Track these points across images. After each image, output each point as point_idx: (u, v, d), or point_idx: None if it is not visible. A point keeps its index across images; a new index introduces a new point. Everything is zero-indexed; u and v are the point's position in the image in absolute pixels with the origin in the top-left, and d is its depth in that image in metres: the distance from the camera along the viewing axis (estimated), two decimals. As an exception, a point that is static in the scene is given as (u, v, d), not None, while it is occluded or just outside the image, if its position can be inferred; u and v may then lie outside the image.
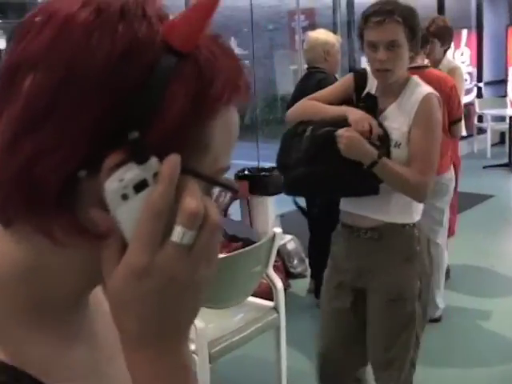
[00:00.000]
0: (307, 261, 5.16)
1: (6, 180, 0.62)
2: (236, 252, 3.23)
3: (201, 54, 0.64)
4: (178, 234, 0.62)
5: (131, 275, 0.62)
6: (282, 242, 5.18)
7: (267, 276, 3.38)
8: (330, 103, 2.68)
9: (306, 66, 4.72)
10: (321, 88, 4.00)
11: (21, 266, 0.68)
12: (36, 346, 0.69)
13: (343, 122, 2.52)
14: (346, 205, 2.73)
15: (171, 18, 0.65)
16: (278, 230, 3.31)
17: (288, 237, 5.34)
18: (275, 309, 3.40)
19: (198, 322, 2.93)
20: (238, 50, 9.05)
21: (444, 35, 4.71)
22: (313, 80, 4.37)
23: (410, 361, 2.74)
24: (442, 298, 4.56)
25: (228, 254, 3.18)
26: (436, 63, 4.68)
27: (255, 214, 5.84)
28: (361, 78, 2.67)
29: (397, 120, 2.55)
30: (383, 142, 2.51)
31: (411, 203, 2.61)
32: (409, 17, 2.48)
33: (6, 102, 0.62)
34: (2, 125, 0.62)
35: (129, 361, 0.67)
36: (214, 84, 0.64)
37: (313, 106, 2.71)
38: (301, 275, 5.32)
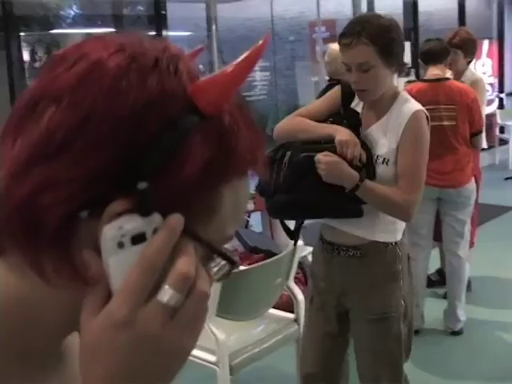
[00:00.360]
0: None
1: (8, 205, 0.61)
2: (257, 264, 3.26)
3: (224, 119, 0.63)
4: (164, 293, 0.60)
5: (110, 325, 0.61)
6: (304, 254, 5.19)
7: (288, 288, 3.40)
8: (318, 119, 2.61)
9: (327, 77, 4.75)
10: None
11: (12, 293, 0.67)
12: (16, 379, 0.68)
13: (320, 145, 2.48)
14: (328, 219, 2.66)
15: (202, 78, 0.64)
16: (300, 242, 3.33)
17: (309, 249, 5.34)
18: (296, 321, 3.42)
19: (220, 334, 2.96)
20: (260, 62, 9.10)
21: (468, 47, 4.72)
22: None
23: (404, 379, 2.72)
24: (464, 311, 4.55)
25: (249, 266, 3.21)
26: (459, 75, 4.69)
27: (276, 226, 5.85)
28: (348, 90, 2.61)
29: (385, 136, 2.51)
30: (366, 162, 2.47)
31: (395, 222, 2.57)
32: (378, 36, 2.39)
33: (23, 128, 0.62)
34: (16, 151, 0.61)
35: None
36: (234, 153, 0.63)
37: (300, 123, 2.63)
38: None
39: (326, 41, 12.63)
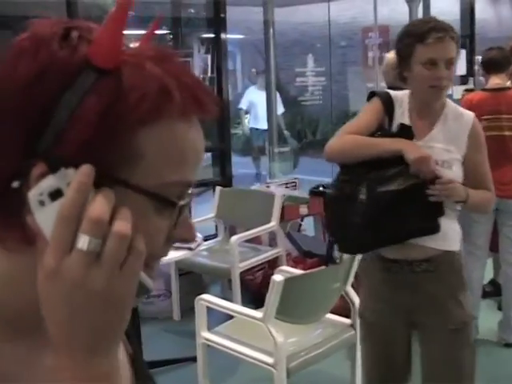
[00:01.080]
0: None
1: None
2: (317, 269, 3.29)
3: (126, 69, 0.67)
4: (81, 240, 0.63)
5: (43, 277, 0.64)
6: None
7: (346, 293, 3.41)
8: (366, 134, 2.54)
9: (383, 84, 4.74)
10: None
11: None
12: (5, 358, 0.72)
13: (387, 171, 2.44)
14: None
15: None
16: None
17: (359, 256, 5.34)
18: (352, 326, 3.43)
19: (278, 336, 2.99)
20: (313, 66, 9.11)
21: None
22: None
23: None
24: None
25: (310, 271, 3.24)
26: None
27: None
28: (387, 101, 2.57)
29: (446, 141, 2.51)
30: None
31: (459, 230, 2.58)
32: (457, 35, 2.48)
33: None
34: None
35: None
36: (128, 98, 0.66)
37: (357, 140, 2.52)
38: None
39: (379, 47, 12.60)
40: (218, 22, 5.71)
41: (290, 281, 2.97)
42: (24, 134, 0.66)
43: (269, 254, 4.82)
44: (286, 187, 5.81)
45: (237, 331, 3.39)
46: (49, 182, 0.65)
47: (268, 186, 5.71)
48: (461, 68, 7.86)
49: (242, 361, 4.00)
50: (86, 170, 0.64)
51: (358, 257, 3.33)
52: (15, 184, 0.66)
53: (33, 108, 0.66)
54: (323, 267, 3.32)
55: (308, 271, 3.22)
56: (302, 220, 5.84)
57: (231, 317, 3.59)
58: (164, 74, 0.68)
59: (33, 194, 0.65)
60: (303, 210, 5.62)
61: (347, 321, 3.46)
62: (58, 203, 0.64)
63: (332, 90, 8.97)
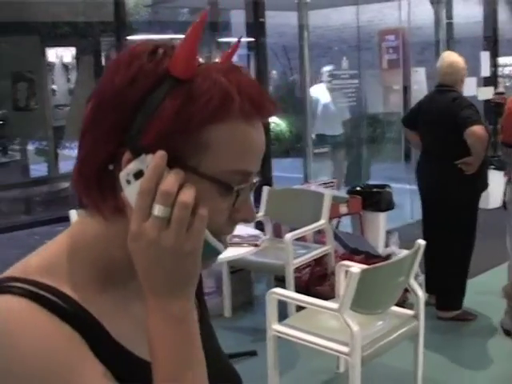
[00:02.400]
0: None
1: (75, 175, 0.90)
2: (386, 263, 3.43)
3: (196, 80, 0.84)
4: (155, 209, 0.81)
5: (129, 238, 0.83)
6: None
7: (409, 286, 3.56)
8: None
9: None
10: (456, 105, 4.23)
11: (95, 236, 0.92)
12: (100, 301, 0.91)
13: None
14: None
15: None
16: (422, 242, 3.48)
17: (405, 252, 5.47)
18: (415, 317, 3.57)
19: (354, 326, 3.13)
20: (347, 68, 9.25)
21: None
22: (446, 98, 4.57)
23: None
24: None
25: (378, 265, 3.38)
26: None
27: (367, 229, 6.01)
28: None
29: None
30: None
31: None
32: None
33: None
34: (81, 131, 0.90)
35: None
36: (197, 102, 0.83)
37: None
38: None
39: (396, 49, 12.72)
40: (257, 27, 5.86)
41: (365, 272, 3.11)
42: (118, 127, 0.85)
43: (319, 251, 4.96)
44: (325, 187, 5.96)
45: (305, 323, 3.53)
46: (133, 166, 0.84)
47: (308, 187, 5.85)
48: (484, 70, 8.02)
49: (301, 352, 4.16)
50: (160, 154, 0.82)
51: (421, 252, 3.48)
52: (111, 167, 0.86)
53: (125, 107, 0.85)
54: (389, 261, 3.45)
55: (377, 265, 3.36)
56: (340, 218, 5.99)
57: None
58: (227, 83, 0.85)
59: (122, 175, 0.84)
60: (343, 209, 5.78)
61: (410, 312, 3.60)
62: (140, 181, 0.83)
63: (361, 91, 9.09)
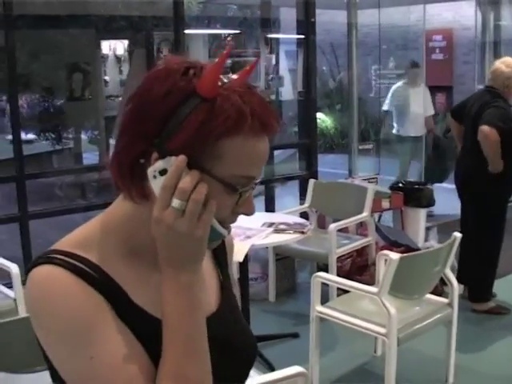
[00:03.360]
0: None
1: (111, 162, 1.10)
2: (424, 251, 3.65)
3: (218, 99, 1.03)
4: (174, 201, 1.03)
5: (153, 221, 1.05)
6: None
7: (445, 275, 3.78)
8: None
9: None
10: (494, 104, 4.41)
11: (124, 215, 1.15)
12: (125, 270, 1.13)
13: None
14: None
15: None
16: (458, 234, 3.70)
17: (437, 245, 5.66)
18: (449, 305, 3.80)
19: (391, 308, 3.37)
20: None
21: None
22: (486, 98, 4.81)
23: None
24: None
25: (416, 253, 3.61)
26: None
27: (407, 224, 6.21)
28: None
29: None
30: None
31: None
32: None
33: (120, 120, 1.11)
34: (117, 130, 1.11)
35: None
36: (217, 119, 1.02)
37: None
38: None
39: (442, 50, 12.83)
40: (307, 25, 6.09)
41: (404, 259, 3.36)
42: (151, 131, 1.06)
43: (360, 242, 5.19)
44: (369, 182, 6.18)
45: (345, 306, 3.78)
46: (159, 164, 1.05)
47: (352, 181, 6.07)
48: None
49: (340, 336, 4.40)
50: (181, 158, 1.04)
51: (457, 243, 3.70)
52: (142, 161, 1.07)
53: (158, 116, 1.05)
54: (426, 250, 3.67)
55: (418, 252, 3.59)
56: (381, 212, 6.19)
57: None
58: (243, 104, 1.04)
59: (150, 171, 1.06)
60: (385, 203, 5.99)
61: (445, 300, 3.83)
62: (164, 178, 1.04)
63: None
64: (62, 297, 1.05)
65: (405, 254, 3.50)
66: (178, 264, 1.07)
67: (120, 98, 12.71)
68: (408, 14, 11.84)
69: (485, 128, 4.57)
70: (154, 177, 1.05)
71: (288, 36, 13.23)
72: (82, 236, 1.15)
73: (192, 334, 1.08)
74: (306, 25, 6.15)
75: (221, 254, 1.37)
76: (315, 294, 3.73)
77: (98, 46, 11.46)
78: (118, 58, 13.74)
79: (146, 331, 1.11)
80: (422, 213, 6.23)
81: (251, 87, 1.09)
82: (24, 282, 1.12)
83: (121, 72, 13.96)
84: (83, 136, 11.05)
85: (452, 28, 12.98)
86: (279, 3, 9.28)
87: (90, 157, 10.76)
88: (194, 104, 1.04)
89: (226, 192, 1.08)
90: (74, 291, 1.06)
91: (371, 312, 3.69)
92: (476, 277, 4.95)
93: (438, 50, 13.07)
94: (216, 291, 1.31)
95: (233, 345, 1.25)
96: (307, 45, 6.17)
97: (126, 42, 13.07)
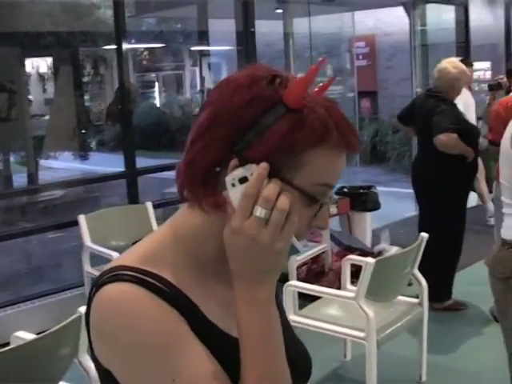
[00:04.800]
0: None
1: (182, 169, 1.06)
2: (394, 254, 3.70)
3: (303, 111, 1.00)
4: (258, 210, 0.97)
5: (230, 233, 0.99)
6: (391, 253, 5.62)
7: (413, 275, 3.84)
8: None
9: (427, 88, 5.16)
10: (438, 111, 4.53)
11: (191, 226, 1.09)
12: (193, 284, 1.08)
13: None
14: None
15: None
16: (425, 235, 3.76)
17: (395, 248, 5.76)
18: (420, 304, 3.86)
19: (369, 312, 3.39)
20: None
21: None
22: (429, 103, 4.91)
23: None
24: None
25: (389, 256, 3.64)
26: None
27: (355, 228, 6.29)
28: None
29: None
30: None
31: None
32: None
33: (193, 126, 1.07)
34: (190, 136, 1.06)
35: (234, 288, 1.03)
36: (304, 130, 0.99)
37: None
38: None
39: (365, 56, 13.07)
40: (247, 36, 6.11)
41: (379, 262, 3.38)
42: (231, 139, 1.01)
43: (317, 249, 5.20)
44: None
45: (318, 313, 3.78)
46: (239, 172, 1.00)
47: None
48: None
49: (308, 342, 4.39)
50: (264, 166, 0.99)
51: (424, 244, 3.76)
52: (217, 169, 1.02)
53: (240, 124, 1.01)
54: (398, 253, 3.71)
55: (391, 255, 3.63)
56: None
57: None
58: (328, 118, 1.02)
59: (228, 179, 1.00)
60: (332, 209, 6.04)
61: (415, 300, 3.89)
62: (244, 186, 0.99)
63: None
64: (140, 314, 1.00)
65: (380, 257, 3.54)
66: (254, 278, 1.02)
67: (47, 117, 12.48)
68: (333, 22, 12.02)
69: (440, 138, 4.70)
70: (233, 185, 1.00)
71: (216, 48, 13.32)
72: (148, 250, 1.10)
73: (273, 354, 1.04)
74: (245, 35, 6.17)
75: None
76: (289, 303, 3.72)
77: (23, 64, 11.19)
78: (41, 76, 13.46)
79: (220, 348, 1.06)
80: (369, 216, 6.33)
81: (333, 101, 1.07)
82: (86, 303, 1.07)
83: (45, 91, 13.67)
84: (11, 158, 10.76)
85: (374, 34, 13.25)
86: (209, 15, 9.28)
87: (17, 179, 10.48)
88: (280, 113, 1.01)
89: (305, 203, 1.04)
90: (151, 308, 1.01)
91: (343, 317, 3.71)
92: (436, 276, 5.03)
93: (361, 57, 13.32)
94: None
95: (293, 363, 1.17)
96: (247, 55, 6.18)
97: (49, 60, 12.81)
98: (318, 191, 1.04)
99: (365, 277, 3.37)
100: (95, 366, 1.09)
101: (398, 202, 6.40)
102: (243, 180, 0.99)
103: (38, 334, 2.65)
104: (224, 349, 1.05)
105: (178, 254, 1.09)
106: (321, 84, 1.07)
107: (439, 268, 4.96)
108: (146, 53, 17.47)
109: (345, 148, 1.05)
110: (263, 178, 0.99)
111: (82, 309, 2.68)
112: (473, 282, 5.50)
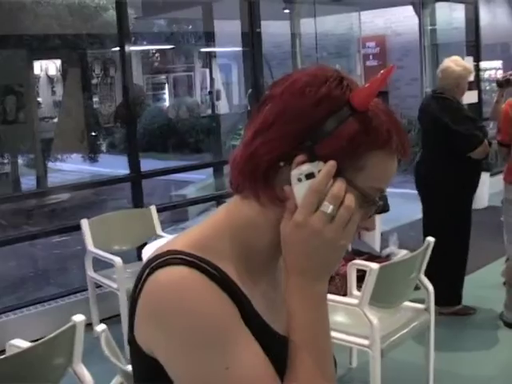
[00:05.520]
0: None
1: (241, 161, 1.06)
2: (399, 260, 3.60)
3: (369, 114, 1.03)
4: (324, 205, 1.00)
5: (293, 226, 1.01)
6: (400, 256, 5.53)
7: (420, 281, 3.75)
8: None
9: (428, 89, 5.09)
10: (446, 112, 4.46)
11: (243, 218, 1.08)
12: (242, 276, 1.06)
13: None
14: None
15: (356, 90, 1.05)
16: (431, 239, 3.68)
17: (404, 251, 5.67)
18: (426, 310, 3.77)
19: (373, 319, 3.30)
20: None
21: None
22: (435, 104, 4.82)
23: None
24: None
25: (394, 262, 3.55)
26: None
27: (363, 231, 6.19)
28: None
29: None
30: None
31: None
32: None
33: (253, 119, 1.08)
34: (248, 131, 1.07)
35: (286, 284, 1.05)
36: (369, 133, 1.01)
37: None
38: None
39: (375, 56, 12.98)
40: (253, 37, 6.04)
41: (383, 268, 3.30)
42: (298, 135, 1.02)
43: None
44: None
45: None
46: (306, 168, 1.01)
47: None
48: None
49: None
50: (333, 163, 1.01)
51: (430, 249, 3.67)
52: (281, 163, 1.03)
53: (308, 122, 1.02)
54: (404, 258, 3.63)
55: (396, 260, 3.54)
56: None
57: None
58: (390, 123, 1.05)
59: (294, 173, 1.02)
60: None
61: (421, 306, 3.80)
62: (310, 181, 1.01)
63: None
64: (199, 297, 0.99)
65: (384, 263, 3.45)
66: (313, 273, 1.03)
67: (55, 120, 12.45)
68: (341, 22, 11.95)
69: (479, 151, 4.71)
70: (299, 180, 1.02)
71: (225, 49, 13.27)
72: (201, 236, 1.09)
73: (326, 352, 1.06)
74: (251, 36, 6.10)
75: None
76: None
77: (31, 67, 11.18)
78: (50, 79, 13.44)
79: (266, 342, 1.05)
80: (378, 219, 6.22)
81: (391, 109, 1.09)
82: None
83: (54, 93, 13.66)
84: (19, 160, 10.75)
85: (384, 34, 13.16)
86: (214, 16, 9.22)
87: (25, 181, 10.46)
88: (347, 114, 1.03)
89: (359, 204, 1.04)
90: (210, 293, 1.00)
91: (348, 324, 3.62)
92: (443, 280, 4.94)
93: (371, 57, 13.23)
94: None
95: None
96: (253, 56, 6.12)
97: (58, 62, 12.80)
98: (373, 193, 1.06)
99: (369, 283, 3.29)
100: (134, 358, 1.09)
101: (407, 203, 6.29)
102: (310, 176, 1.01)
103: (39, 340, 2.59)
104: (269, 343, 1.05)
105: (233, 243, 1.09)
106: (381, 71, 1.06)
107: (446, 271, 4.86)
108: (157, 54, 17.47)
109: (399, 153, 1.08)
110: (331, 176, 1.01)
111: (77, 317, 2.63)
112: (483, 285, 5.44)
